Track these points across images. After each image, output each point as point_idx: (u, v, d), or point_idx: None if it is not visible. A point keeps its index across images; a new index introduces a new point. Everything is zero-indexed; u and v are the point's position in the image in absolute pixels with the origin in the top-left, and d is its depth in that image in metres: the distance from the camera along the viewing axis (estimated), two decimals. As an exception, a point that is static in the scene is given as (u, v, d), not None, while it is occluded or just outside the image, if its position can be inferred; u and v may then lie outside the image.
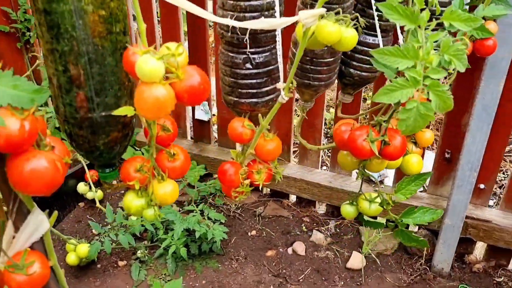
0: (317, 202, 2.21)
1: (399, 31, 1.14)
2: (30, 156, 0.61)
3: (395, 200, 1.07)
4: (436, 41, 0.69)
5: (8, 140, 0.57)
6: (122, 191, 2.28)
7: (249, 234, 2.10)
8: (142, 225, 1.99)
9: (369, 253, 1.98)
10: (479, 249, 2.02)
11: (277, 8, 0.87)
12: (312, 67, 1.09)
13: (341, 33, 0.78)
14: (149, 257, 1.98)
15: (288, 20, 0.76)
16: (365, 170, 1.08)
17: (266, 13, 0.88)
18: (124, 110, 0.76)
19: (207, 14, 0.71)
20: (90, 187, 1.99)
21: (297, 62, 0.82)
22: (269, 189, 2.29)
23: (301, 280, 1.90)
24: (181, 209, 2.12)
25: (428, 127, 1.66)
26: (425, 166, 1.82)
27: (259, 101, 1.00)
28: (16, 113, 0.58)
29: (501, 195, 2.17)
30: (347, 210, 1.16)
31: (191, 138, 2.38)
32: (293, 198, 2.28)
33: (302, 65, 1.13)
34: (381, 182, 2.09)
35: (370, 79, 1.27)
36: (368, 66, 1.22)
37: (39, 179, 0.60)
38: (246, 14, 0.89)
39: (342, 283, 1.89)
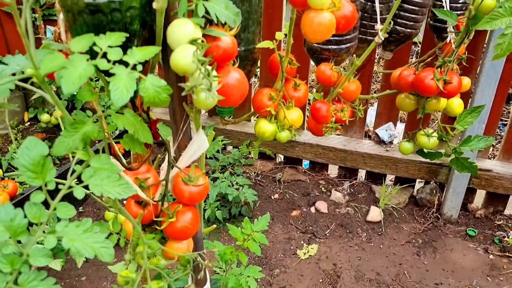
0: (329, 166, 2.38)
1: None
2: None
3: (455, 131, 1.25)
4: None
5: (225, 52, 0.69)
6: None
7: (272, 197, 2.24)
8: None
9: (385, 207, 2.17)
10: (478, 197, 2.26)
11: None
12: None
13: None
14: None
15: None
16: (424, 108, 1.26)
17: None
18: (266, 43, 0.89)
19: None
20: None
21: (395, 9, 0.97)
22: (282, 157, 2.43)
23: (328, 235, 2.06)
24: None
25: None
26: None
27: (342, 47, 1.14)
28: (226, 29, 0.69)
29: (498, 146, 2.43)
30: (406, 146, 1.33)
31: (205, 112, 2.48)
32: (305, 164, 2.43)
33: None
34: (391, 142, 2.29)
35: (412, 35, 1.44)
36: (412, 23, 1.39)
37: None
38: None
39: (365, 234, 2.06)
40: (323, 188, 2.28)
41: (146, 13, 0.63)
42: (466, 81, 1.42)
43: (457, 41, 1.11)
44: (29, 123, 2.59)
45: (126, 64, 0.55)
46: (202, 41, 0.65)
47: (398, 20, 1.40)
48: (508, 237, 2.04)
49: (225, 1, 0.68)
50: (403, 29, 1.41)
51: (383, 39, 1.03)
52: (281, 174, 2.35)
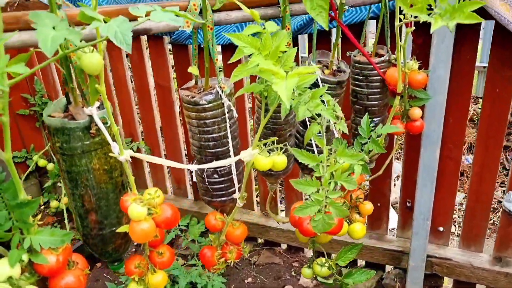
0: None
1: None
2: (63, 275, 0.94)
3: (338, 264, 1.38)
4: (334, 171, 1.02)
5: (49, 271, 0.90)
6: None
7: (246, 281, 2.40)
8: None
9: (350, 292, 2.26)
10: (448, 281, 2.29)
11: (231, 148, 1.21)
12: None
13: (273, 161, 1.11)
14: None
15: (235, 159, 1.10)
16: (315, 243, 1.40)
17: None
18: (124, 228, 1.10)
19: (169, 163, 1.05)
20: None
21: (246, 179, 1.15)
22: (263, 240, 2.60)
23: (291, 321, 2.19)
24: (185, 263, 2.43)
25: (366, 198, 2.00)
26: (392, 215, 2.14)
27: (226, 199, 1.33)
28: (53, 251, 0.91)
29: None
30: (306, 272, 1.48)
31: (193, 197, 2.71)
32: (284, 245, 2.58)
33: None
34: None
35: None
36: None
37: (70, 291, 0.93)
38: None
39: (327, 321, 2.17)
40: (293, 272, 2.41)
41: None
42: (369, 207, 1.55)
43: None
44: (43, 206, 2.95)
45: None
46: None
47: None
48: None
49: (50, 231, 0.91)
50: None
51: (241, 205, 1.21)
52: (258, 257, 2.51)
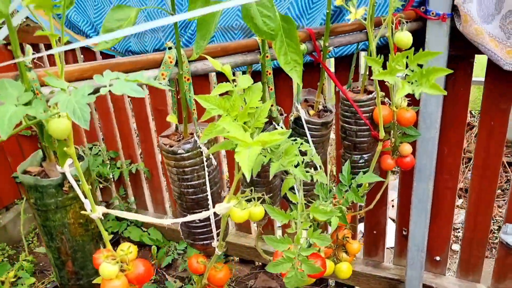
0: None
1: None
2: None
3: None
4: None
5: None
6: None
7: (242, 306, 2.40)
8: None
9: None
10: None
11: (209, 196, 1.21)
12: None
13: (249, 212, 1.11)
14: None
15: (210, 212, 1.09)
16: None
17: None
18: (99, 280, 1.11)
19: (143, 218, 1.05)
20: None
21: (224, 226, 1.15)
22: (260, 263, 2.59)
23: None
24: (183, 285, 2.44)
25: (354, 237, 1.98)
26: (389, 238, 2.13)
27: (208, 242, 1.32)
28: None
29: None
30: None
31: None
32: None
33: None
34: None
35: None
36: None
37: None
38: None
39: None
40: (290, 297, 2.40)
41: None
42: (356, 246, 1.53)
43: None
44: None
45: None
46: None
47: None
48: None
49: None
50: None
51: (220, 253, 1.21)
52: (254, 281, 2.51)
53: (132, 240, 2.71)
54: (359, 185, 1.26)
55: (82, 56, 2.47)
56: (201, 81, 2.18)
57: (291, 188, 1.13)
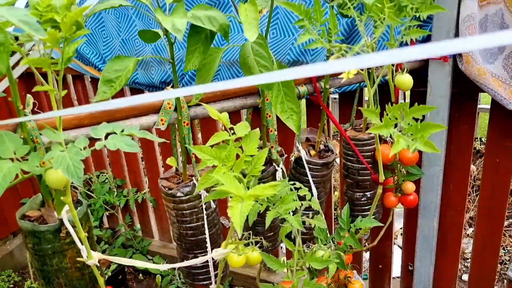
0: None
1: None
2: None
3: None
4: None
5: None
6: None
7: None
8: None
9: None
10: None
11: (207, 239, 1.21)
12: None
13: (247, 257, 1.10)
14: None
15: (207, 257, 1.09)
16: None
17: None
18: (96, 324, 1.11)
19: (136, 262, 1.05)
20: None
21: (221, 269, 1.14)
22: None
23: None
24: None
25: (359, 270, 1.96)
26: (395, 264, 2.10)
27: (207, 283, 1.32)
28: None
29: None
30: None
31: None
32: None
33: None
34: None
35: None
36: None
37: None
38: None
39: None
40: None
41: None
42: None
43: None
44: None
45: None
46: None
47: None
48: None
49: None
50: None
51: (218, 297, 1.20)
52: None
53: (137, 269, 2.71)
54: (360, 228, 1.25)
55: (91, 87, 2.51)
56: (208, 122, 2.20)
57: (290, 233, 1.12)
